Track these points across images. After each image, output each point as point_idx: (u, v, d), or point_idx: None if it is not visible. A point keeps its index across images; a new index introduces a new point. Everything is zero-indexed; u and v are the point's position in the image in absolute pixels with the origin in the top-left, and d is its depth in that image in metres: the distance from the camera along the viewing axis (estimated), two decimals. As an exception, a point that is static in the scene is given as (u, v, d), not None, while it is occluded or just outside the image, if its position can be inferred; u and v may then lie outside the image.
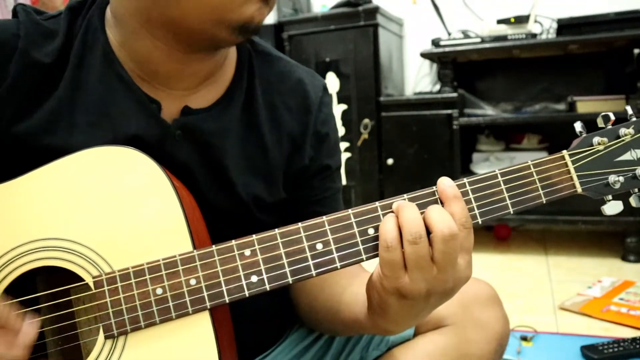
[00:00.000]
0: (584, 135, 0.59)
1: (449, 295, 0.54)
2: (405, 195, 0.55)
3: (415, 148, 2.34)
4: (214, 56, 0.65)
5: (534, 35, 2.18)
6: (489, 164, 2.35)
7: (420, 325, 0.73)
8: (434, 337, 0.72)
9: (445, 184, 0.54)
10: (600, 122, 0.59)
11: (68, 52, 0.61)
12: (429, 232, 0.51)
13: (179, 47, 0.61)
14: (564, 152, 0.58)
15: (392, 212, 0.53)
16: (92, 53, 0.62)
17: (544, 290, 1.79)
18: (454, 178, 0.55)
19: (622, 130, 0.58)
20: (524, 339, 1.41)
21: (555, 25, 2.22)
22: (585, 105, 2.17)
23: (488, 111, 2.34)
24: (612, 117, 0.58)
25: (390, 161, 2.39)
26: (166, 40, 0.60)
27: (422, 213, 0.52)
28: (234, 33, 0.59)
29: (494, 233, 2.49)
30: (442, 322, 0.72)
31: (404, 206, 0.52)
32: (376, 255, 0.54)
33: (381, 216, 0.54)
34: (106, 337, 0.53)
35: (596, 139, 0.58)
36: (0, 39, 0.59)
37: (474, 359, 0.71)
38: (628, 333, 1.44)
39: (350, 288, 0.66)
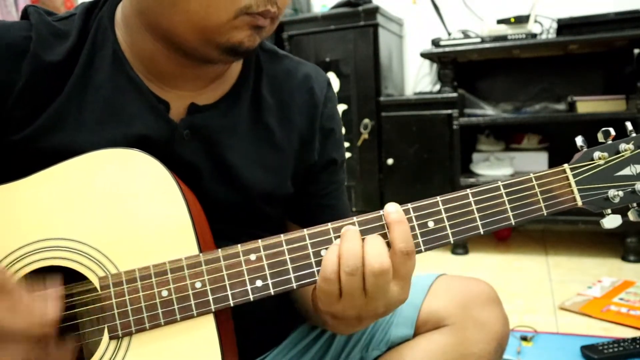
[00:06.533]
0: (585, 149, 0.60)
1: (382, 316, 0.57)
2: (355, 218, 0.55)
3: (415, 148, 2.34)
4: (215, 63, 0.65)
5: (534, 35, 2.18)
6: (489, 164, 2.35)
7: (420, 325, 0.74)
8: (434, 337, 0.72)
9: (388, 210, 0.54)
10: (600, 137, 0.60)
11: (79, 51, 0.61)
12: None
13: (177, 53, 0.61)
14: (565, 165, 0.59)
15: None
16: (102, 53, 0.62)
17: (544, 290, 1.80)
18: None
19: (622, 146, 0.59)
20: (524, 339, 1.42)
21: (555, 25, 2.23)
22: (585, 105, 2.17)
23: (488, 111, 2.34)
24: (613, 132, 0.60)
25: (390, 161, 2.39)
26: (165, 45, 0.61)
27: (364, 239, 0.53)
28: (224, 53, 0.59)
29: (494, 233, 2.49)
30: (442, 322, 0.73)
31: (346, 236, 0.53)
32: None
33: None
34: (110, 338, 0.53)
35: (597, 154, 0.59)
36: (12, 41, 0.58)
37: (474, 359, 0.71)
38: (628, 333, 1.44)
39: None
